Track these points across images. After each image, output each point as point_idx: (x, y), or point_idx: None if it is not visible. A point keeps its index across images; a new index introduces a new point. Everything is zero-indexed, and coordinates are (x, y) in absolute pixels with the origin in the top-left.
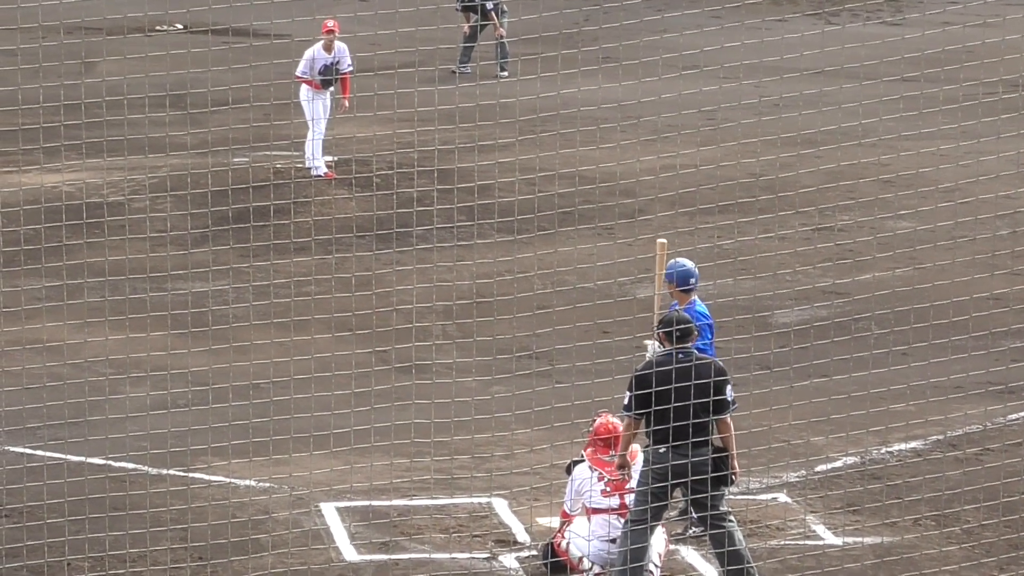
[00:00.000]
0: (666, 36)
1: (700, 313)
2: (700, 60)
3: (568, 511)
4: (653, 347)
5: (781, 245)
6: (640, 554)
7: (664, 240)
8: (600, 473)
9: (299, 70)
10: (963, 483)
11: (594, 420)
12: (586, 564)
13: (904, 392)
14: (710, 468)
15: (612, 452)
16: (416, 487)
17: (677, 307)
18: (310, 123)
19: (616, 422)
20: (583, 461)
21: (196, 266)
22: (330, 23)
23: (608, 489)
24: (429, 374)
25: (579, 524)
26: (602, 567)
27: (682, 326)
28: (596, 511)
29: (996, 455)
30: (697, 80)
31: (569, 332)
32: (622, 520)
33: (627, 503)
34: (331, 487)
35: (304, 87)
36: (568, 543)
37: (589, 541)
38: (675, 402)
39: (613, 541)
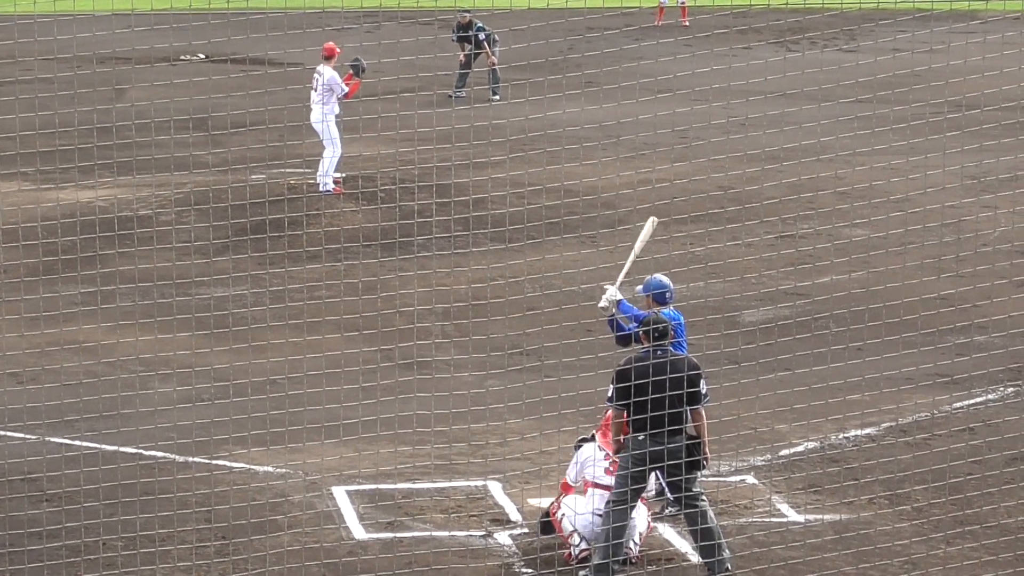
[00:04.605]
0: (642, 63)
1: (672, 317)
2: (673, 84)
3: (570, 482)
4: (613, 290)
5: (747, 251)
6: (621, 532)
7: (655, 219)
8: (607, 453)
9: (339, 92)
10: (913, 466)
11: (608, 410)
12: (575, 540)
13: (859, 383)
14: (685, 454)
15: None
16: (418, 472)
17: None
18: (336, 141)
19: None
20: (593, 440)
21: (218, 273)
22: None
23: (612, 468)
24: (429, 370)
25: (575, 499)
26: (589, 540)
27: (660, 326)
28: (597, 486)
29: (943, 440)
30: (671, 102)
31: (556, 331)
32: None
33: None
34: (341, 472)
35: (329, 109)
36: (563, 515)
37: (582, 515)
38: (653, 394)
39: None
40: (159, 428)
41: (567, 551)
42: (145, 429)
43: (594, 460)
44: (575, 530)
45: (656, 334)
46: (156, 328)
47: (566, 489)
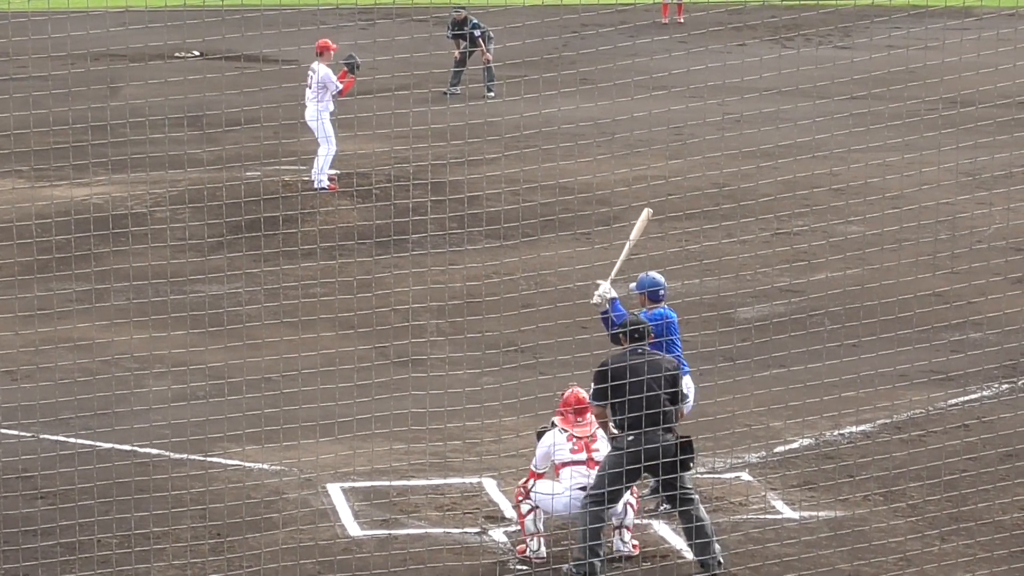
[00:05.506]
0: (637, 60)
1: (665, 315)
2: (668, 81)
3: (535, 470)
4: (606, 286)
5: (742, 248)
6: (599, 531)
7: (650, 210)
8: (570, 433)
9: (333, 89)
10: (908, 462)
11: (563, 392)
12: (534, 546)
13: (854, 380)
14: (671, 453)
15: (579, 419)
16: (413, 469)
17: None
18: (331, 139)
19: (583, 393)
20: (554, 428)
21: (212, 270)
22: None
23: (576, 447)
24: (424, 367)
25: (548, 483)
26: (570, 520)
27: (638, 327)
28: (566, 464)
29: (938, 437)
30: (666, 100)
31: (551, 328)
32: (590, 471)
33: (594, 457)
34: (336, 469)
35: (324, 106)
36: (531, 508)
37: (560, 495)
38: (633, 394)
39: (583, 488)
40: (154, 426)
41: (523, 546)
42: (140, 427)
43: (561, 443)
44: (537, 531)
45: (636, 335)
46: (151, 325)
47: (533, 476)
